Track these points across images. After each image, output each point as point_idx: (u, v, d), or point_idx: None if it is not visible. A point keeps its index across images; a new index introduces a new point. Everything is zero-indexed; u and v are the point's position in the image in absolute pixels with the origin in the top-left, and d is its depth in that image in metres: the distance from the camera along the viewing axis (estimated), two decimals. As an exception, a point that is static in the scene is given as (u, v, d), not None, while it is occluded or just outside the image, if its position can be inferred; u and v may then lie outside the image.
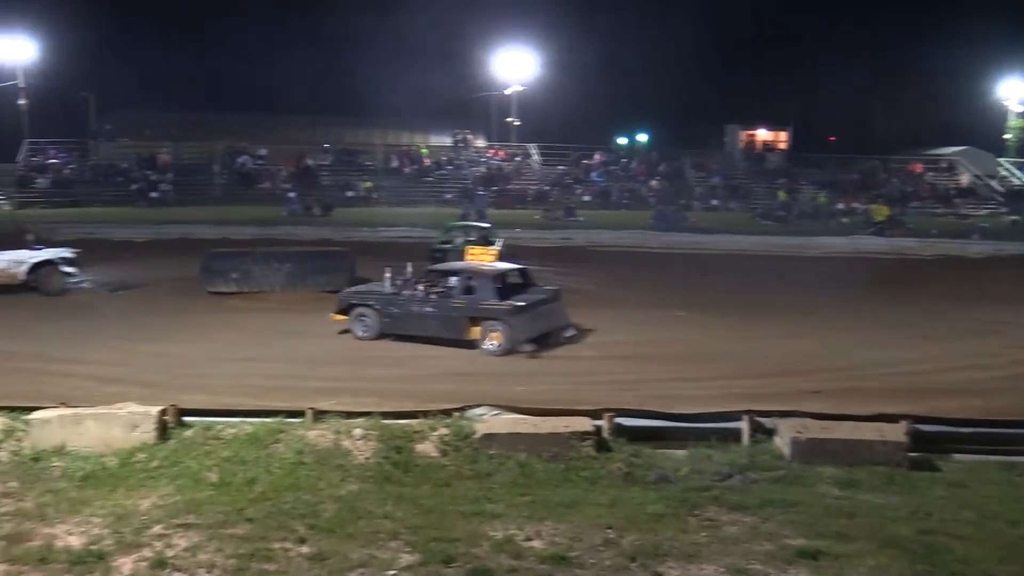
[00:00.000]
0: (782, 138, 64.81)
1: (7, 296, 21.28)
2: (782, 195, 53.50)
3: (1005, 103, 65.89)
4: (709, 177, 58.24)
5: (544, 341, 16.48)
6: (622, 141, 69.92)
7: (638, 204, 52.96)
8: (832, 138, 65.11)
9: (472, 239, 27.19)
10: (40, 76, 55.89)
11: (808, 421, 9.94)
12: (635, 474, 9.09)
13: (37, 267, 22.30)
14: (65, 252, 23.18)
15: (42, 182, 51.53)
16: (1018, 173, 62.09)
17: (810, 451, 9.37)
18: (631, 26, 63.40)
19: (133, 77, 56.45)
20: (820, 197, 53.42)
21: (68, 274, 22.70)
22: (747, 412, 10.18)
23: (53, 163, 53.77)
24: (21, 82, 55.46)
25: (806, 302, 22.19)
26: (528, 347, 16.02)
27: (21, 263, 22.27)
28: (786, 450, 9.52)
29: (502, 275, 17.52)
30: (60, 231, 32.16)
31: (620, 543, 7.37)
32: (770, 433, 9.95)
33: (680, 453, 9.64)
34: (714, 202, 54.39)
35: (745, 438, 9.95)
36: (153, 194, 50.45)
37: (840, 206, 51.31)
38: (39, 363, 14.82)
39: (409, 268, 18.46)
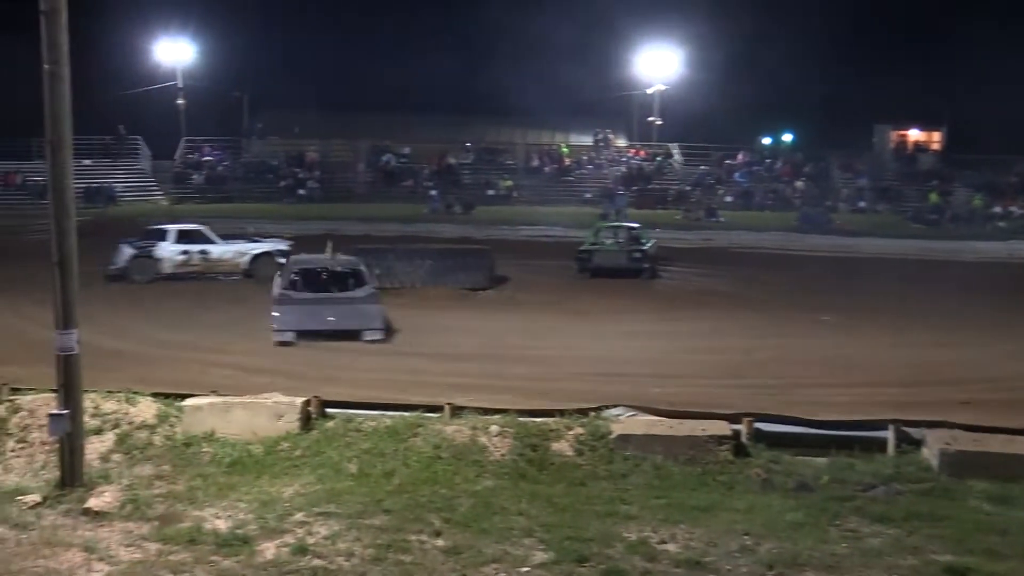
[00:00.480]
0: (935, 138, 62.35)
1: (164, 287, 22.34)
2: (934, 197, 51.52)
3: None
4: (856, 178, 56.54)
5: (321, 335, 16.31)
6: (766, 141, 68.43)
7: (782, 205, 51.84)
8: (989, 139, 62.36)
9: (621, 240, 27.09)
10: (197, 77, 58.26)
11: (958, 432, 9.54)
12: (774, 480, 8.90)
13: (257, 258, 25.23)
14: (281, 244, 26.21)
15: (197, 179, 53.68)
16: None
17: (960, 464, 8.99)
18: (777, 22, 61.91)
19: (284, 77, 58.14)
20: (975, 200, 51.26)
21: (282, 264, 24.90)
22: (893, 421, 9.84)
23: (207, 160, 55.93)
24: (179, 83, 57.87)
25: (957, 309, 21.28)
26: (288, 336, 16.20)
27: (244, 254, 25.40)
28: (934, 462, 9.17)
29: (309, 269, 18.16)
30: (213, 226, 33.38)
31: (757, 550, 7.22)
32: (917, 444, 9.60)
33: (821, 461, 9.38)
34: (861, 204, 52.79)
35: (890, 448, 9.62)
36: (300, 191, 51.98)
37: (997, 209, 49.13)
38: (191, 352, 15.43)
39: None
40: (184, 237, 25.31)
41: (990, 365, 15.39)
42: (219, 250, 25.28)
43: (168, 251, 24.72)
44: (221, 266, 25.10)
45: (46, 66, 8.21)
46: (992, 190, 53.02)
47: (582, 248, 27.03)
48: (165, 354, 15.28)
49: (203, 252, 25.07)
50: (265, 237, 27.20)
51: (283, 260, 24.49)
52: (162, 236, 25.18)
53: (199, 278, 24.42)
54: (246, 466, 9.08)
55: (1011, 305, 21.65)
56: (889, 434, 9.70)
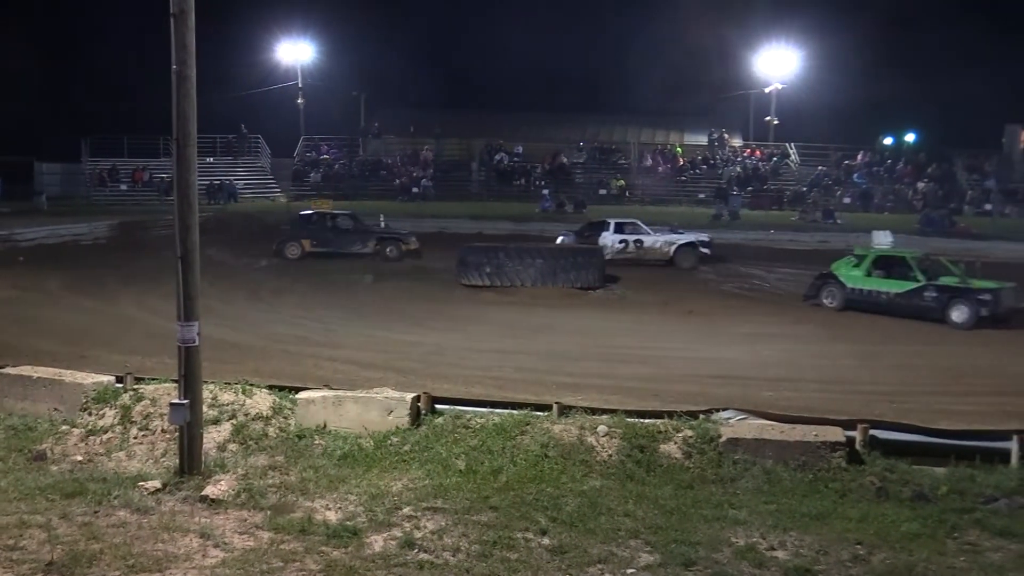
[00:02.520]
0: (1070, 139, 59.85)
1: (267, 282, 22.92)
2: (1064, 201, 49.48)
3: None
4: (984, 180, 54.64)
5: None
6: (888, 141, 66.57)
7: (902, 207, 50.42)
8: None
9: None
10: (316, 76, 59.55)
11: (1087, 445, 9.13)
12: (889, 489, 8.64)
13: (681, 247, 29.22)
14: (703, 236, 30.41)
15: (314, 176, 54.85)
16: None
17: (1088, 478, 8.60)
18: (900, 18, 60.20)
19: (400, 76, 59.06)
20: (1112, 204, 49.03)
21: (703, 255, 29.49)
22: (1018, 432, 9.46)
23: (325, 158, 57.10)
24: (299, 82, 59.21)
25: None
26: None
27: (672, 244, 29.41)
28: (1061, 475, 8.79)
29: None
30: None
31: (870, 560, 7.03)
32: (1044, 456, 9.21)
33: (939, 471, 9.06)
34: (987, 207, 50.97)
35: (1014, 459, 9.24)
36: (415, 189, 52.66)
37: None
38: (305, 347, 15.78)
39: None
40: (622, 228, 29.71)
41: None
42: (651, 240, 29.39)
43: (609, 240, 28.86)
44: (652, 254, 29.10)
45: (174, 67, 8.47)
46: None
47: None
48: (276, 347, 15.65)
49: (638, 242, 29.22)
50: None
51: (706, 250, 29.68)
52: (604, 227, 29.77)
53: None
54: (356, 459, 9.23)
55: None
56: (1013, 445, 9.31)
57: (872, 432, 9.53)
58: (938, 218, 44.32)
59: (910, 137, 67.30)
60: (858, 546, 7.27)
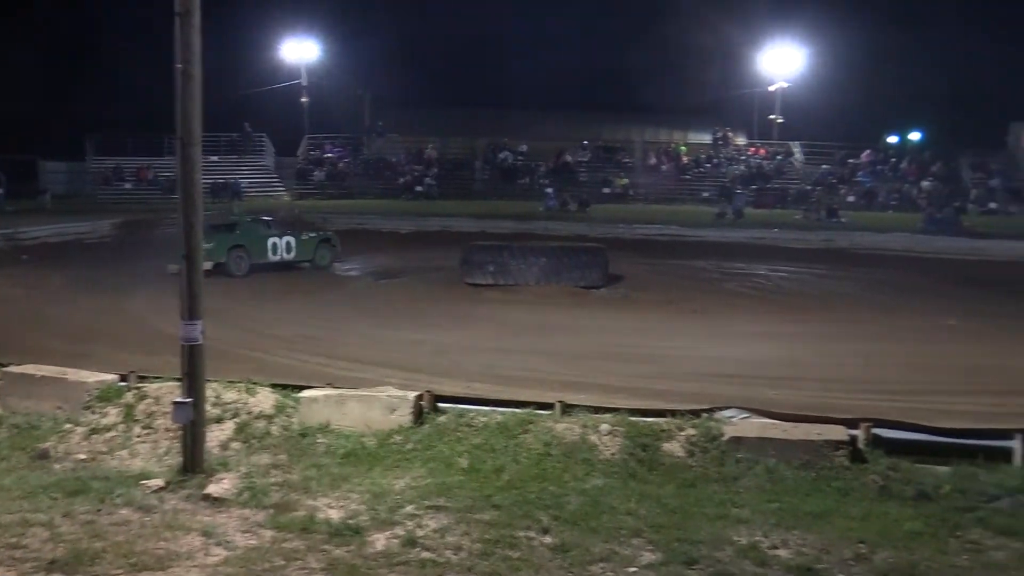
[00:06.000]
0: (1076, 137, 59.75)
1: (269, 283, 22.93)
2: (1070, 199, 49.41)
3: None
4: (988, 179, 54.56)
5: None
6: (892, 139, 66.51)
7: (907, 206, 50.43)
8: None
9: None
10: (321, 75, 59.63)
11: (1091, 444, 9.12)
12: (891, 488, 8.63)
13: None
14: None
15: (318, 175, 54.94)
16: None
17: (1091, 477, 8.59)
18: (904, 16, 60.11)
19: (405, 75, 59.09)
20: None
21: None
22: (1021, 431, 9.45)
23: (329, 157, 57.18)
24: (304, 81, 59.28)
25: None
26: None
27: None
28: (1064, 474, 8.78)
29: None
30: (333, 221, 34.18)
31: (872, 559, 7.02)
32: (1046, 455, 9.20)
33: (942, 470, 9.05)
34: (992, 205, 50.92)
35: (1017, 458, 9.23)
36: (418, 188, 52.77)
37: None
38: (308, 345, 15.80)
39: None
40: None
41: None
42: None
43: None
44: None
45: (179, 66, 8.48)
46: None
47: None
48: (279, 346, 15.68)
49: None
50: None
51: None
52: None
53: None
54: (359, 458, 9.23)
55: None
56: (1016, 444, 9.30)
57: (875, 431, 9.52)
58: (943, 217, 44.27)
59: (915, 136, 67.31)
60: (860, 545, 7.26)
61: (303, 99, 59.47)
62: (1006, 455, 9.26)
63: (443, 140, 58.30)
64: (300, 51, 59.51)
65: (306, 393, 10.37)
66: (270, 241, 26.33)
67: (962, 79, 61.38)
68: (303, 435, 9.77)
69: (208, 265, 23.75)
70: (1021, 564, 7.01)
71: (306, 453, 9.38)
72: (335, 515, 7.71)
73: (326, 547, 7.08)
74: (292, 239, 26.74)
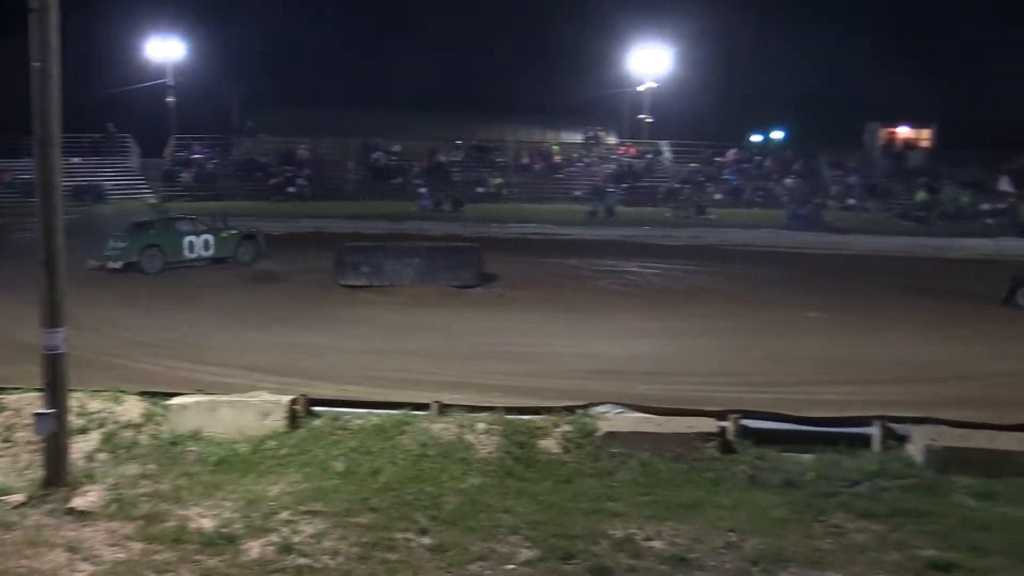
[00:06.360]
0: (925, 136, 62.51)
1: (141, 285, 22.30)
2: (921, 195, 51.68)
3: None
4: (846, 176, 56.70)
5: None
6: (756, 138, 68.52)
7: (771, 203, 52.02)
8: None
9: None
10: (187, 74, 58.20)
11: (943, 429, 9.56)
12: (760, 477, 8.92)
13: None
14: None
15: (186, 176, 53.58)
16: None
17: (945, 460, 9.02)
18: (768, 20, 61.99)
19: (275, 75, 58.23)
20: (964, 197, 51.42)
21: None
22: (879, 417, 9.87)
23: (197, 158, 55.84)
24: (169, 80, 57.78)
25: (944, 306, 21.40)
26: None
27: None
28: (919, 458, 9.20)
29: None
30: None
31: (742, 547, 7.24)
32: (903, 440, 9.62)
33: (807, 457, 9.40)
34: (850, 201, 52.94)
35: (876, 444, 9.65)
36: (290, 189, 51.93)
37: (985, 207, 49.29)
38: (179, 351, 15.39)
39: None
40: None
41: (977, 362, 15.45)
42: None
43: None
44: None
45: (35, 64, 8.17)
46: (980, 188, 53.18)
47: None
48: (145, 352, 15.25)
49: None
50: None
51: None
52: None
53: None
54: (232, 465, 9.07)
55: (997, 303, 21.74)
56: (875, 430, 9.74)
57: (743, 422, 9.83)
58: (805, 213, 45.83)
59: (777, 134, 69.51)
60: (731, 533, 7.48)
61: (169, 99, 57.92)
62: (865, 441, 9.70)
63: (315, 140, 57.50)
64: (165, 49, 57.95)
65: (176, 400, 10.14)
66: (186, 240, 26.76)
67: (821, 80, 63.69)
68: (173, 443, 9.54)
69: (118, 264, 24.90)
70: (880, 545, 7.33)
71: (177, 462, 9.16)
72: (208, 524, 7.56)
73: (199, 557, 6.93)
74: (210, 237, 27.24)
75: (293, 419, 9.93)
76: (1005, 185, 49.61)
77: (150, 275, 24.95)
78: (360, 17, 62.03)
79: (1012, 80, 61.78)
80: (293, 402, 10.08)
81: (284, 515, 7.73)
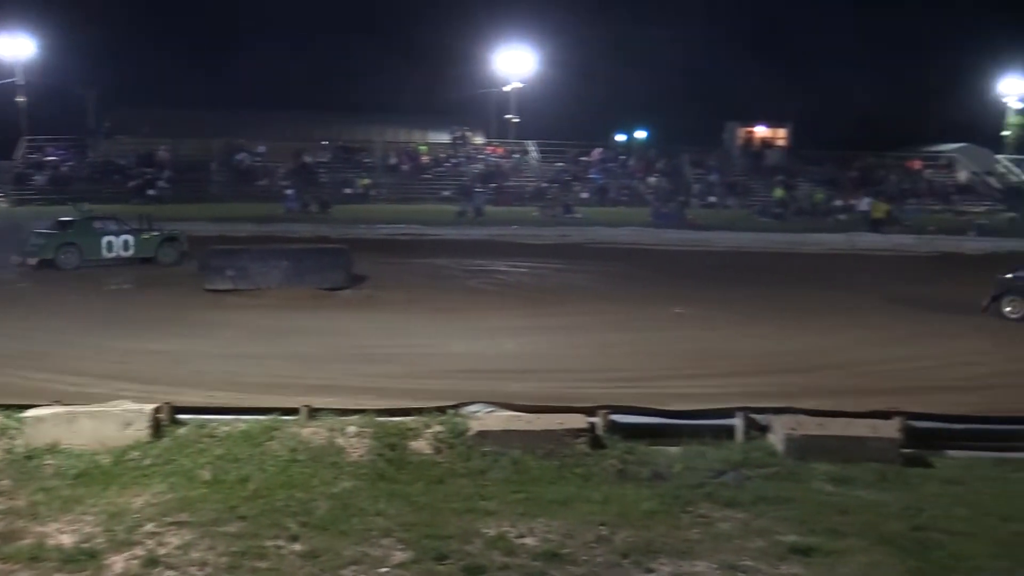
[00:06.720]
0: (781, 135, 64.73)
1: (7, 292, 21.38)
2: (779, 192, 53.50)
3: (1004, 100, 66.08)
4: (707, 174, 58.25)
5: None
6: (621, 138, 69.83)
7: (636, 201, 53.10)
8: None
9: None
10: (39, 73, 55.99)
11: (802, 417, 9.91)
12: (629, 471, 9.07)
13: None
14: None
15: (39, 179, 51.56)
16: (1016, 170, 62.32)
17: (804, 447, 9.35)
18: (631, 23, 63.28)
19: (133, 74, 56.52)
20: (817, 194, 53.42)
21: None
22: (742, 409, 10.17)
23: (51, 160, 53.79)
24: (20, 79, 55.50)
25: (802, 299, 22.24)
26: None
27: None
28: (780, 447, 9.51)
29: None
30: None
31: (613, 540, 7.36)
32: (764, 430, 9.94)
33: (674, 450, 9.62)
34: (712, 199, 54.49)
35: (739, 435, 9.95)
36: (151, 191, 50.49)
37: (838, 203, 51.30)
38: (36, 361, 14.78)
39: None
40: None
41: (834, 351, 16.07)
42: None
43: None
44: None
45: None
46: (834, 185, 55.36)
47: None
48: (4, 362, 14.61)
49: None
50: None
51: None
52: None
53: None
54: (93, 478, 8.75)
55: (851, 293, 22.65)
56: (738, 421, 10.03)
57: (612, 417, 9.99)
58: (669, 211, 46.89)
59: (641, 134, 71.00)
60: (601, 527, 7.59)
61: (19, 99, 55.60)
62: (730, 432, 9.98)
63: (176, 141, 56.01)
64: (14, 47, 55.58)
65: (31, 412, 9.73)
66: (105, 239, 27.60)
67: (683, 81, 65.35)
68: (29, 458, 9.15)
69: (34, 261, 26.16)
70: (744, 532, 7.55)
71: (33, 476, 8.79)
72: (67, 540, 7.28)
73: (58, 575, 6.68)
74: (131, 237, 28.00)
75: (157, 428, 9.65)
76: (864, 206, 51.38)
77: (66, 271, 25.96)
78: (223, 14, 60.74)
79: (860, 82, 64.67)
80: (157, 410, 9.79)
81: (149, 527, 7.51)
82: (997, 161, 63.71)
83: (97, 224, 28.11)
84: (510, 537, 7.39)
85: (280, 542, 7.26)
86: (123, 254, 27.73)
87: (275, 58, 57.89)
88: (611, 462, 9.24)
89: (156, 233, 28.98)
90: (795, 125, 64.21)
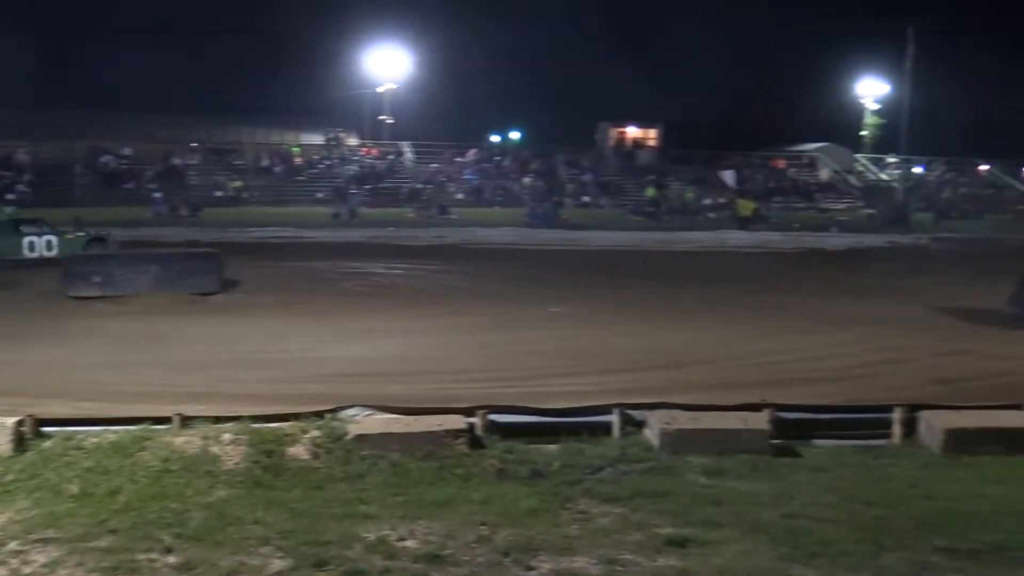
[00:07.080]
0: (652, 135, 65.95)
1: None
2: (650, 192, 54.53)
3: (862, 101, 68.87)
4: (581, 174, 58.96)
5: None
6: (495, 139, 70.19)
7: (511, 201, 53.40)
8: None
9: None
10: None
11: (676, 412, 10.14)
12: (508, 470, 9.14)
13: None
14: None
15: None
16: (873, 168, 64.87)
17: (678, 442, 9.57)
18: (504, 24, 63.65)
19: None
20: (688, 193, 54.67)
21: None
22: (617, 405, 10.35)
23: None
24: None
25: (675, 296, 22.69)
26: None
27: None
28: (655, 441, 9.71)
29: None
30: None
31: (493, 539, 7.39)
32: (640, 425, 10.13)
33: (553, 448, 9.72)
34: (586, 199, 55.18)
35: (616, 431, 10.12)
36: (10, 195, 48.36)
37: (707, 201, 52.62)
38: None
39: None
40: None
41: (705, 347, 16.45)
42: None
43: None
44: None
45: None
46: (703, 184, 56.74)
47: None
48: None
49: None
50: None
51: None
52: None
53: None
54: (-49, 497, 8.38)
55: (722, 290, 23.24)
56: (614, 418, 10.20)
57: (491, 417, 10.05)
58: (544, 211, 47.35)
59: (515, 135, 71.49)
60: (482, 527, 7.62)
61: None
62: (607, 429, 10.15)
63: (36, 144, 53.92)
64: None
65: None
66: (26, 240, 27.56)
67: (555, 82, 66.06)
68: None
69: None
70: (623, 527, 7.69)
71: None
72: (-76, 563, 6.96)
73: (-85, 599, 6.39)
74: (54, 238, 27.83)
75: (20, 442, 9.29)
76: (729, 179, 53.10)
77: None
78: (85, 12, 58.74)
79: (726, 83, 66.48)
80: (19, 423, 9.43)
81: (12, 545, 7.22)
82: (856, 160, 66.37)
83: (19, 224, 28.13)
84: (391, 540, 7.36)
85: (153, 555, 7.07)
86: (46, 254, 27.39)
87: (141, 58, 56.25)
88: (490, 462, 9.29)
89: (82, 234, 28.66)
90: (665, 126, 65.54)
